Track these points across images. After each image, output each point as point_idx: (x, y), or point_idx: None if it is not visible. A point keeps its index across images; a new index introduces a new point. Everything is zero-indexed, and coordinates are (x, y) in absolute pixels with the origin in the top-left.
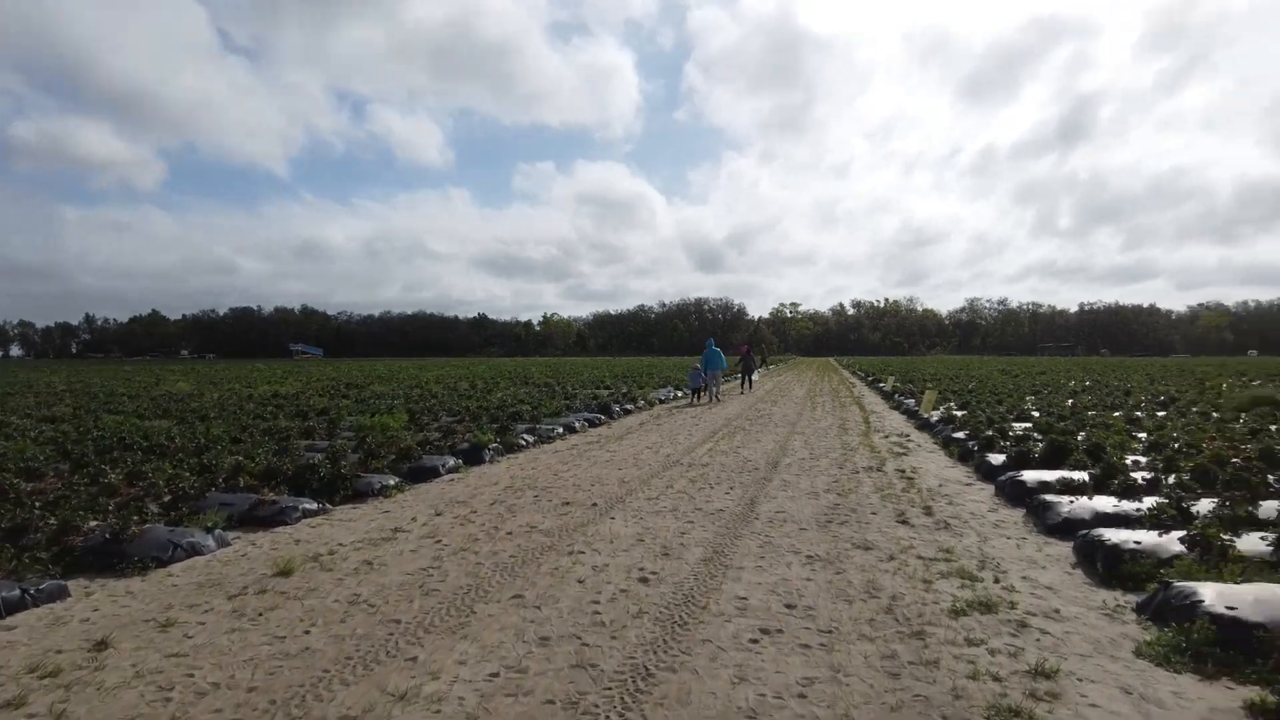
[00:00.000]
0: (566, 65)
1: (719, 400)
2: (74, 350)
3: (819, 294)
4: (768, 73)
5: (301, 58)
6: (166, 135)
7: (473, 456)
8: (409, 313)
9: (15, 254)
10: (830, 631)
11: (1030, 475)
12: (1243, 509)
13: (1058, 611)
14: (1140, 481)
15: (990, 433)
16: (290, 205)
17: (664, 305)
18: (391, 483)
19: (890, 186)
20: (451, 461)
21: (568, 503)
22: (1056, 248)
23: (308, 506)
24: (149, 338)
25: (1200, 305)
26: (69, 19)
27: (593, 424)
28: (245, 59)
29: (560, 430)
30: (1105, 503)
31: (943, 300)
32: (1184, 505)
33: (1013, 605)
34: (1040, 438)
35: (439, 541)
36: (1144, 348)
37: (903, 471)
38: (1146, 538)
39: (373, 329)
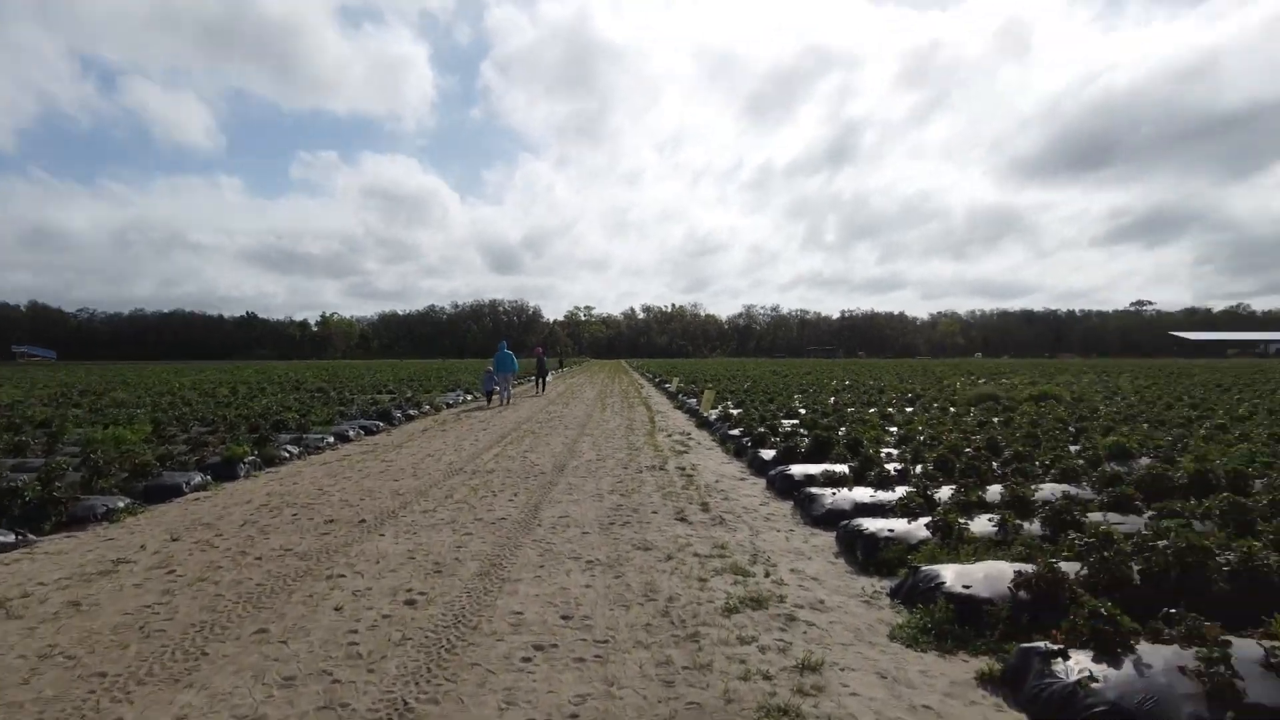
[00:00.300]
0: (357, 52)
1: (511, 403)
2: None
3: (612, 298)
4: (564, 78)
5: (36, 13)
6: None
7: (225, 472)
8: (165, 311)
9: None
10: (606, 641)
11: (798, 469)
12: (974, 494)
13: (822, 602)
14: (893, 472)
15: (762, 430)
16: (17, 183)
17: (456, 306)
18: (121, 505)
19: (678, 197)
20: (198, 478)
21: (331, 520)
22: (822, 260)
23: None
24: None
25: (939, 313)
26: None
27: (370, 432)
28: None
29: (331, 440)
30: (863, 493)
31: (723, 306)
32: (928, 493)
33: (782, 599)
34: (806, 433)
35: (172, 572)
36: (894, 350)
37: (683, 469)
38: (899, 525)
39: (120, 329)
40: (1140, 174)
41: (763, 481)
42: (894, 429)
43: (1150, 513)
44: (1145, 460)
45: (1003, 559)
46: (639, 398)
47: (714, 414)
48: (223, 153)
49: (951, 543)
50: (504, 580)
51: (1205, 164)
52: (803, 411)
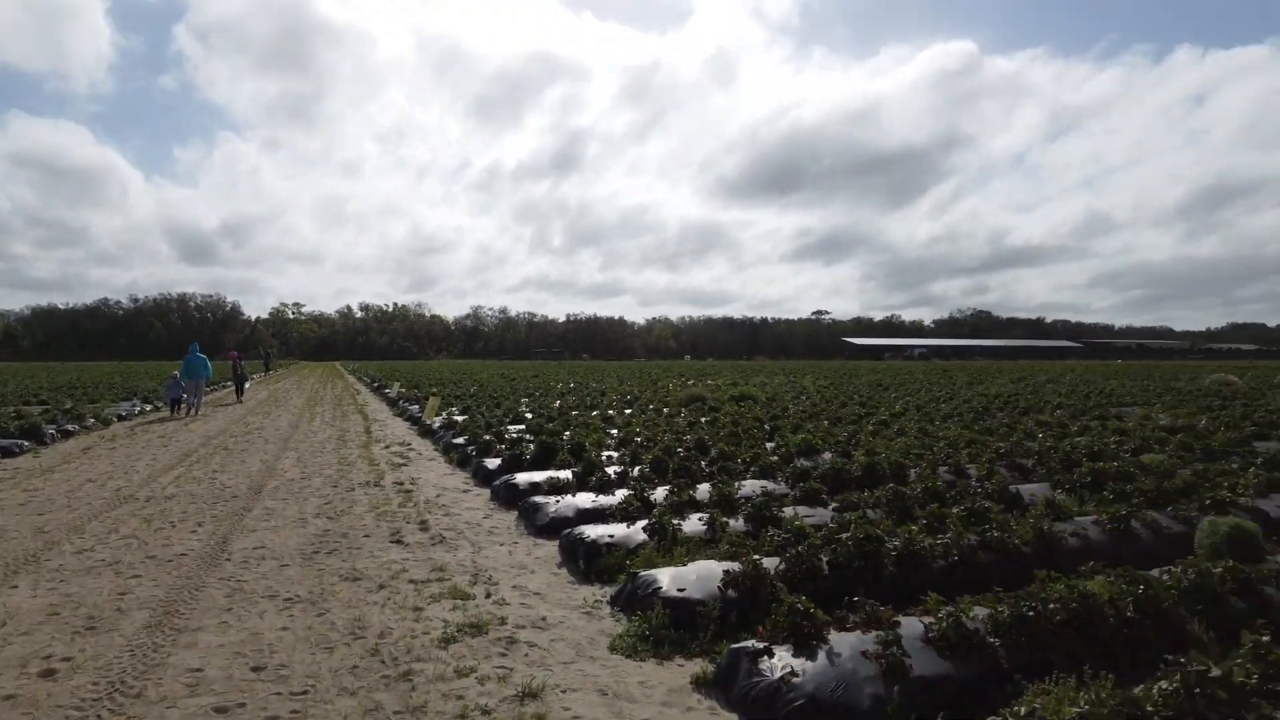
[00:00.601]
0: None
1: (200, 414)
2: None
3: (326, 295)
4: (276, 54)
5: None
6: None
7: None
8: None
9: None
10: (305, 693)
11: (523, 477)
12: (686, 494)
13: (545, 619)
14: (614, 475)
15: (488, 437)
16: None
17: (136, 300)
18: None
19: (402, 192)
20: None
21: None
22: (549, 263)
23: None
24: None
25: (654, 319)
26: None
27: (9, 454)
28: None
29: None
30: (586, 499)
31: (450, 306)
32: (645, 495)
33: (503, 621)
34: (532, 439)
35: None
36: (615, 352)
37: (401, 484)
38: (619, 530)
39: None
40: (821, 200)
41: (487, 492)
42: (615, 431)
43: (835, 504)
44: (828, 455)
45: (714, 558)
46: (354, 405)
47: (438, 422)
48: None
49: (667, 545)
50: (180, 631)
51: (870, 195)
52: (529, 416)
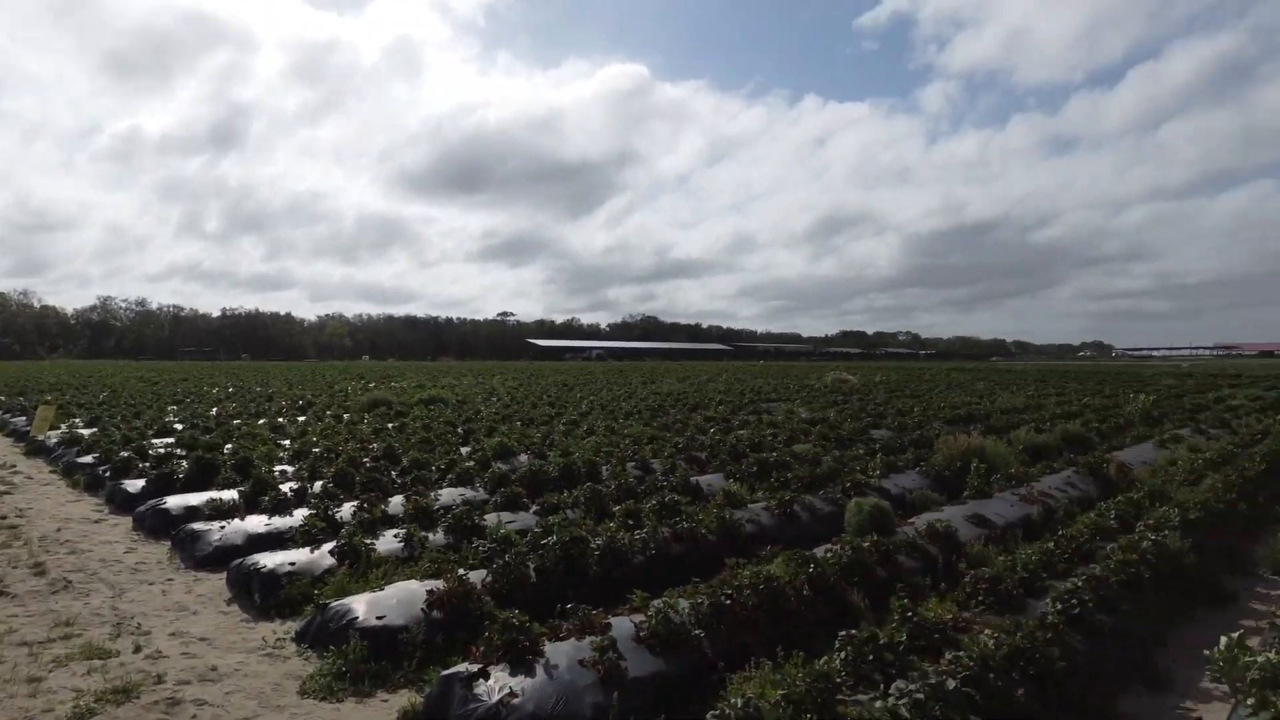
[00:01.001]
0: None
1: None
2: None
3: None
4: None
5: None
6: None
7: None
8: None
9: None
10: None
11: (176, 501)
12: (378, 509)
13: (215, 669)
14: (290, 493)
15: (126, 453)
16: None
17: None
18: None
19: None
20: None
21: None
22: (202, 250)
23: None
24: None
25: (327, 315)
26: None
27: None
28: None
29: None
30: (258, 522)
31: (70, 297)
32: (331, 514)
33: (160, 679)
34: (184, 454)
35: None
36: (282, 352)
37: (3, 518)
38: (301, 556)
39: None
40: (506, 203)
41: (128, 521)
42: (287, 442)
43: (535, 507)
44: (525, 457)
45: (414, 577)
46: None
47: (55, 436)
48: None
49: (361, 568)
50: None
51: (553, 202)
52: (179, 427)
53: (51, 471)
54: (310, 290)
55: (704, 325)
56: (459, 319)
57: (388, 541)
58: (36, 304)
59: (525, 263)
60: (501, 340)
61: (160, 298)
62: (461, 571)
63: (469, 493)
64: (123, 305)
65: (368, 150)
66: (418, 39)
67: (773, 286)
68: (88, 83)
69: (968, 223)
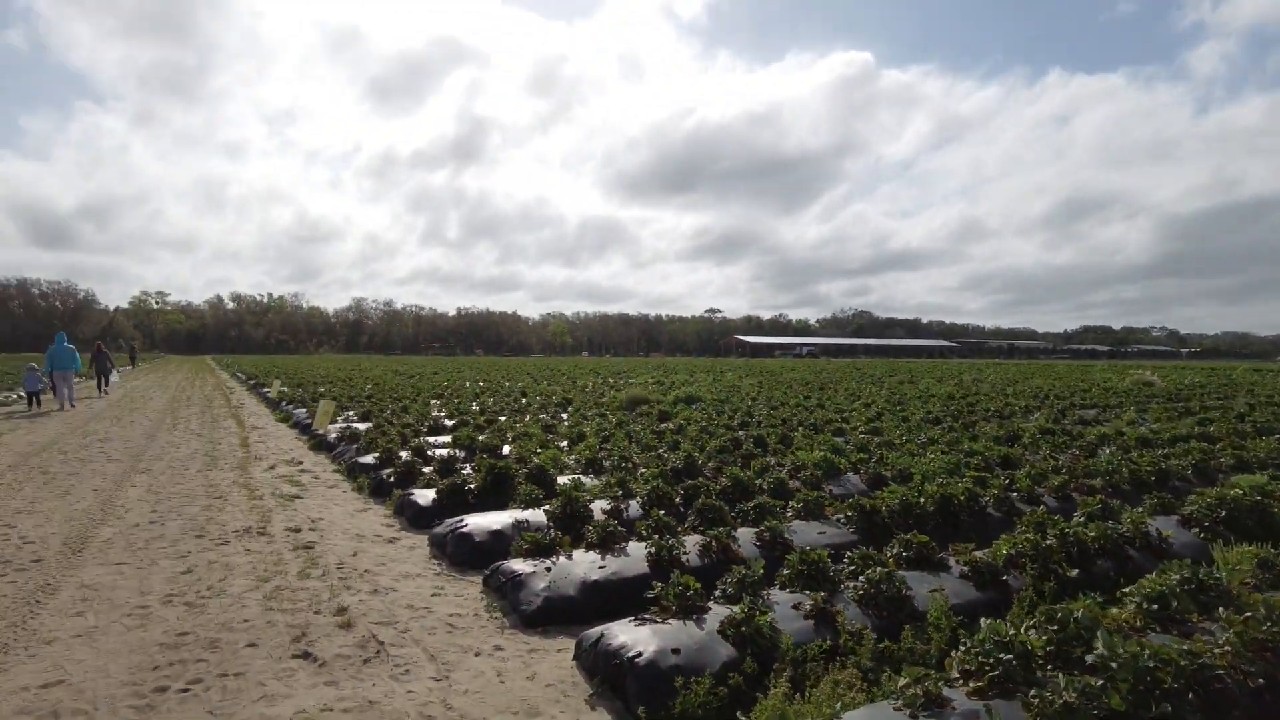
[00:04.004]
0: None
1: (74, 405)
2: None
3: (199, 285)
4: (150, 17)
5: None
6: None
7: None
8: None
9: None
10: None
11: (476, 523)
12: (733, 549)
13: None
14: (605, 517)
15: (406, 455)
16: None
17: None
18: None
19: (288, 177)
20: None
21: None
22: (442, 255)
23: None
24: None
25: (549, 314)
26: None
27: None
28: None
29: None
30: (587, 562)
31: (331, 299)
32: (675, 554)
33: None
34: (463, 454)
35: None
36: (508, 349)
37: (296, 531)
38: (678, 635)
39: None
40: (718, 201)
41: (423, 542)
42: (565, 444)
43: (962, 568)
44: (853, 476)
45: (879, 699)
46: (228, 407)
47: (334, 431)
48: None
49: (782, 670)
50: None
51: (765, 197)
52: (449, 423)
53: (335, 471)
54: (535, 291)
55: (924, 320)
56: (668, 316)
57: (785, 614)
58: (305, 305)
59: (733, 260)
60: (709, 337)
61: (405, 299)
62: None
63: (827, 530)
64: (373, 306)
65: (591, 155)
66: (642, 43)
67: (1001, 277)
68: (353, 109)
69: (1244, 200)
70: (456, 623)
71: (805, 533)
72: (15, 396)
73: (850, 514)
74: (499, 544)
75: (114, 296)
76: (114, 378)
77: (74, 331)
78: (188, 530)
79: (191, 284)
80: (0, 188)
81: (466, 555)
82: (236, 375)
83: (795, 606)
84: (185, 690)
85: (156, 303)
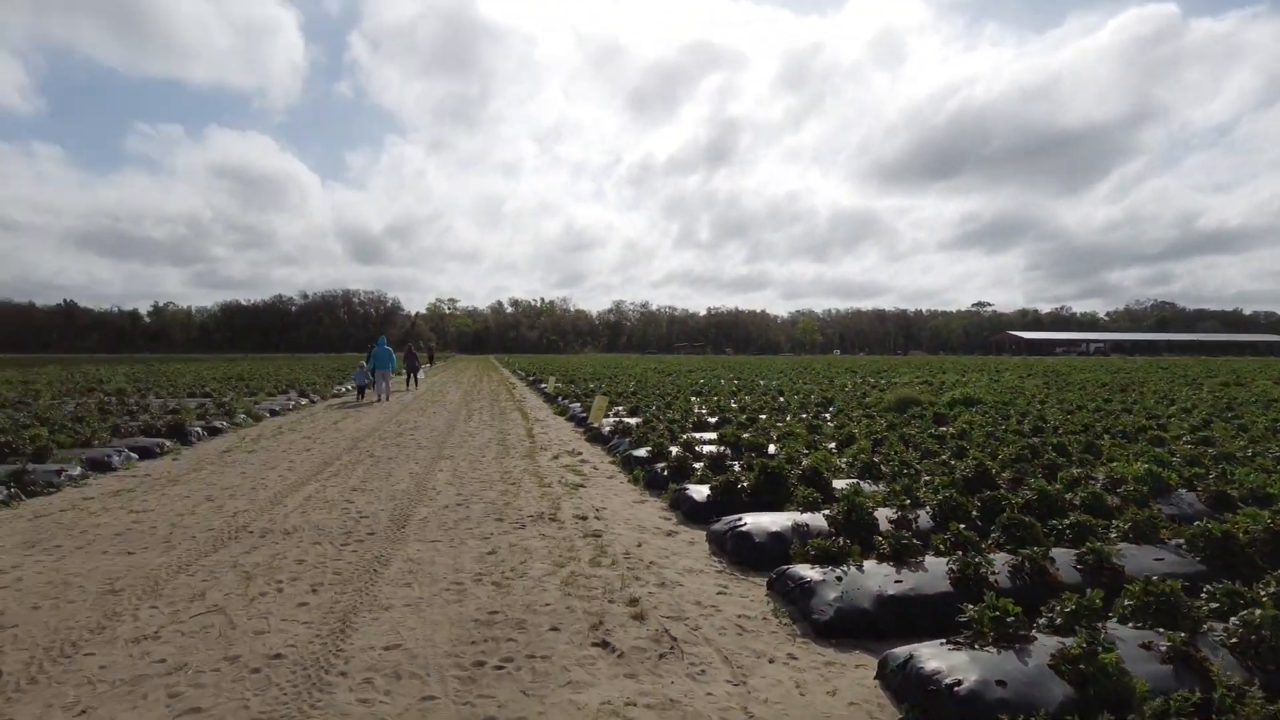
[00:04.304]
0: (212, 12)
1: (388, 398)
2: None
3: (482, 292)
4: (442, 57)
5: None
6: None
7: None
8: None
9: None
10: None
11: (754, 522)
12: (1052, 573)
13: None
14: (893, 527)
15: (678, 450)
16: None
17: (306, 296)
18: None
19: (556, 189)
20: None
21: None
22: (694, 258)
23: None
24: None
25: (798, 312)
26: None
27: (148, 454)
28: None
29: (76, 472)
30: (880, 575)
31: (594, 302)
32: (982, 574)
33: None
34: (728, 451)
35: None
36: (758, 347)
37: (584, 518)
38: (1000, 664)
39: None
40: (987, 185)
41: (700, 536)
42: (832, 445)
43: None
44: (1187, 494)
45: None
46: (512, 401)
47: (608, 425)
48: (41, 117)
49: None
50: None
51: (1042, 178)
52: (711, 420)
53: (611, 462)
54: (784, 289)
55: (1246, 311)
56: (928, 311)
57: (1133, 654)
58: (572, 308)
59: (1005, 248)
60: (977, 333)
61: (660, 300)
62: None
63: (1165, 556)
64: (631, 307)
65: (844, 147)
66: (898, 27)
67: None
68: (615, 121)
69: None
70: (746, 625)
71: (1137, 558)
72: (346, 389)
73: (1195, 539)
74: (778, 545)
75: (414, 303)
76: (420, 374)
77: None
78: (489, 513)
79: (476, 291)
80: (332, 214)
81: (746, 554)
82: (516, 372)
83: (1144, 646)
84: (500, 668)
85: (448, 308)
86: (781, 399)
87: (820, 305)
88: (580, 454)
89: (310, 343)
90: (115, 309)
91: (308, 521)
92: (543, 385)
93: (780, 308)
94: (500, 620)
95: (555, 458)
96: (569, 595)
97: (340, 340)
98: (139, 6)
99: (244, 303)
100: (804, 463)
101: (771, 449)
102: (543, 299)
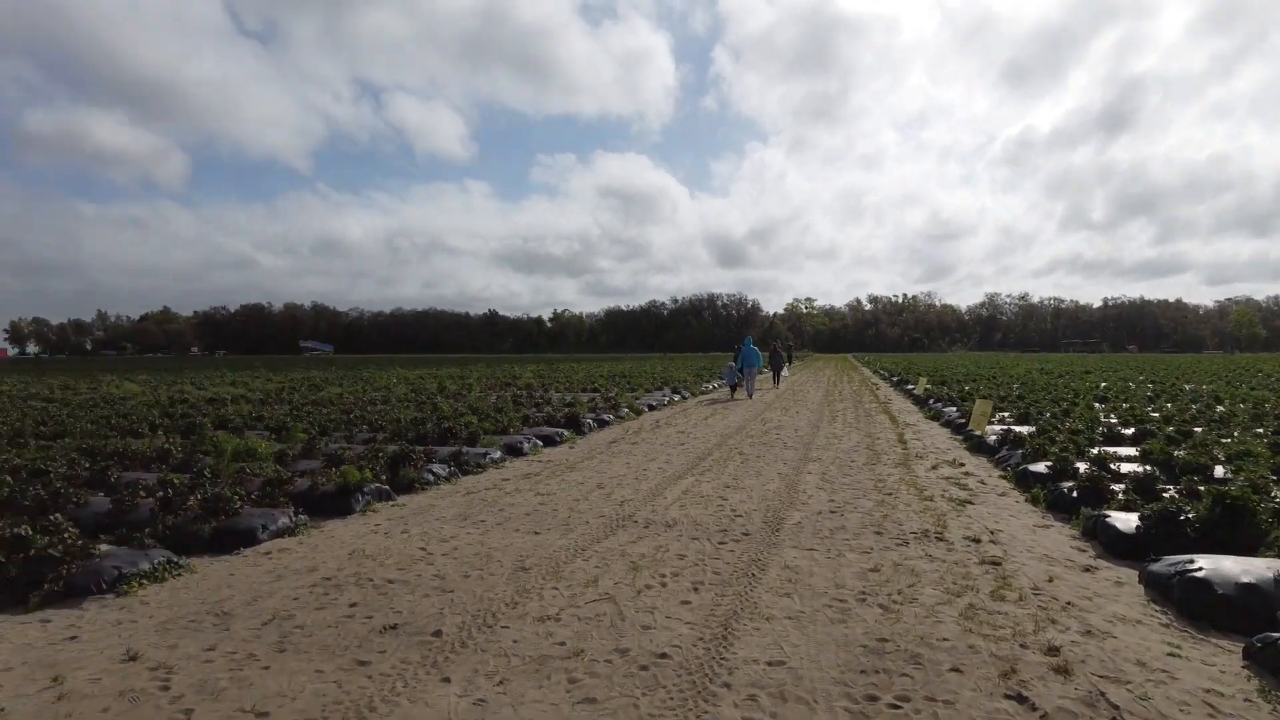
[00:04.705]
0: (598, 50)
1: (751, 396)
2: (88, 347)
3: (839, 289)
4: (801, 58)
5: (318, 44)
6: (181, 126)
7: (338, 505)
8: (420, 309)
9: (29, 250)
10: None
11: (1214, 567)
12: None
13: None
14: None
15: (1086, 467)
16: (308, 198)
17: (676, 301)
18: (145, 567)
19: (920, 178)
20: (284, 519)
21: (391, 627)
22: (1085, 240)
23: None
24: (161, 335)
25: (1229, 300)
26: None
27: (551, 442)
28: (259, 44)
29: (497, 455)
30: None
31: (963, 296)
32: None
33: None
34: (1155, 471)
35: None
36: (1173, 343)
37: (976, 541)
38: None
39: (384, 326)
40: None
41: (1130, 577)
42: None
43: None
44: None
45: None
46: (876, 402)
47: (992, 435)
48: (474, 159)
49: None
50: None
51: None
52: (1128, 433)
53: (1001, 477)
54: (1208, 273)
55: None
56: None
57: None
58: (938, 304)
59: None
60: None
61: (1041, 291)
62: None
63: None
64: (1007, 300)
65: None
66: None
67: None
68: (986, 98)
69: None
70: (1219, 706)
71: None
72: (712, 387)
73: None
74: (1253, 601)
75: (772, 304)
76: (784, 373)
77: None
78: (866, 525)
79: (833, 289)
80: (699, 222)
81: (1202, 607)
82: (878, 372)
83: None
84: (895, 707)
85: (805, 308)
86: (1220, 407)
87: (1261, 291)
88: (962, 465)
89: (680, 343)
90: (525, 316)
91: (686, 515)
92: (909, 386)
93: (1202, 295)
94: (891, 650)
95: (934, 468)
96: (969, 632)
97: (705, 340)
98: (542, 54)
99: (624, 308)
100: (1277, 495)
101: (1219, 471)
102: (904, 294)
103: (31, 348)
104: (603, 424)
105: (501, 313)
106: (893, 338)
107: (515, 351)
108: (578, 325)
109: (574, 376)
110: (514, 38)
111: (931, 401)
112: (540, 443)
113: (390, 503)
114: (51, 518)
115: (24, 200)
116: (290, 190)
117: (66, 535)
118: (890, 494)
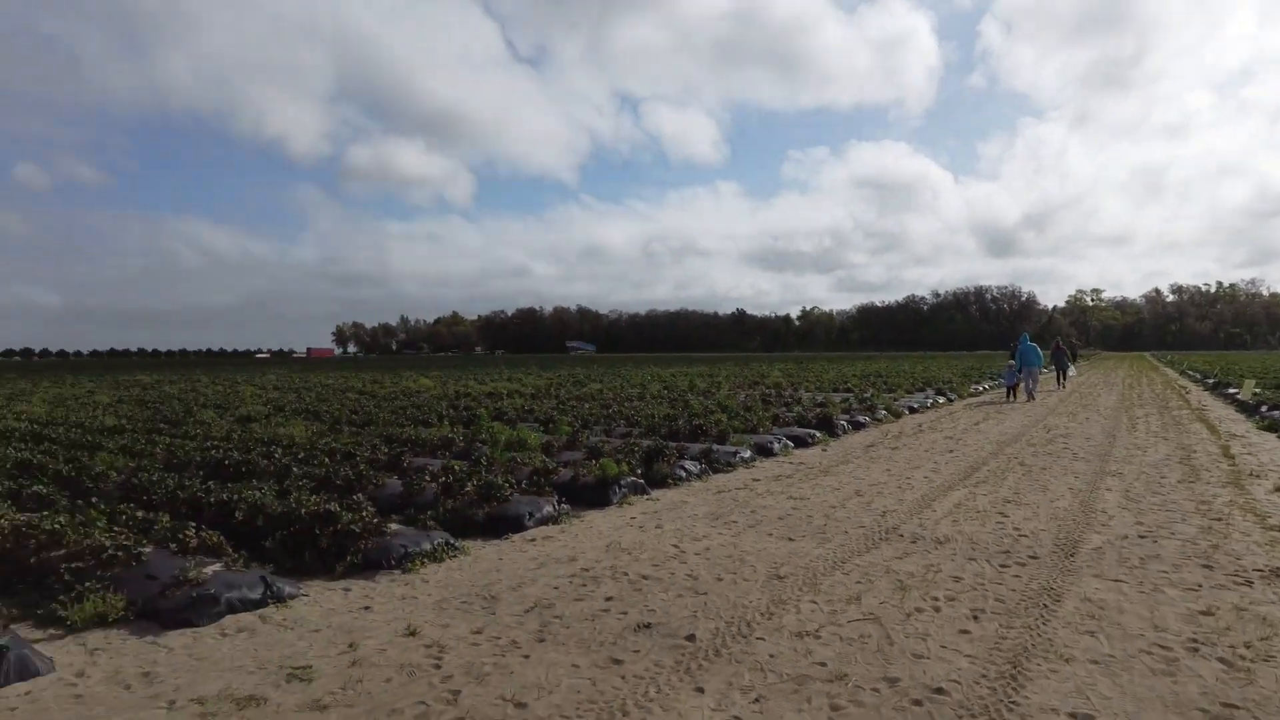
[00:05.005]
0: (854, 37)
1: (1033, 398)
2: (393, 347)
3: (1132, 279)
4: (1087, 19)
5: (582, 61)
6: (467, 149)
7: (596, 497)
8: (672, 310)
9: (350, 265)
10: None
11: None
12: None
13: None
14: None
15: None
16: (574, 209)
17: (937, 295)
18: (426, 547)
19: (1242, 146)
20: (548, 508)
21: (645, 626)
22: None
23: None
24: (451, 336)
25: None
26: (382, 46)
27: (802, 444)
28: (531, 68)
29: (747, 455)
30: None
31: None
32: None
33: None
34: None
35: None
36: None
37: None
38: None
39: (639, 326)
40: None
41: None
42: None
43: None
44: None
45: None
46: (1187, 408)
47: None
48: (726, 161)
49: None
50: None
51: None
52: None
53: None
54: None
55: None
56: None
57: None
58: (1265, 292)
59: None
60: None
61: None
62: None
63: None
64: None
65: None
66: None
67: None
68: None
69: None
70: None
71: None
72: (984, 388)
73: None
74: None
75: (1050, 296)
76: (1070, 372)
77: (1014, 330)
78: (1188, 555)
79: (1125, 279)
80: (965, 209)
81: None
82: (1186, 373)
83: None
84: None
85: (1091, 300)
86: None
87: None
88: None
89: (942, 340)
90: (773, 314)
91: (959, 532)
92: (1232, 390)
93: None
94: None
95: (1277, 490)
96: None
97: (972, 338)
98: (795, 48)
99: (878, 304)
100: None
101: None
102: (1219, 282)
103: (351, 348)
104: (858, 426)
105: (749, 312)
106: (1202, 333)
107: (762, 350)
108: (827, 322)
109: (824, 376)
110: (766, 35)
111: (1264, 409)
112: (791, 444)
113: (644, 497)
114: (355, 497)
115: (347, 222)
116: (559, 202)
117: (365, 513)
118: (1219, 519)
